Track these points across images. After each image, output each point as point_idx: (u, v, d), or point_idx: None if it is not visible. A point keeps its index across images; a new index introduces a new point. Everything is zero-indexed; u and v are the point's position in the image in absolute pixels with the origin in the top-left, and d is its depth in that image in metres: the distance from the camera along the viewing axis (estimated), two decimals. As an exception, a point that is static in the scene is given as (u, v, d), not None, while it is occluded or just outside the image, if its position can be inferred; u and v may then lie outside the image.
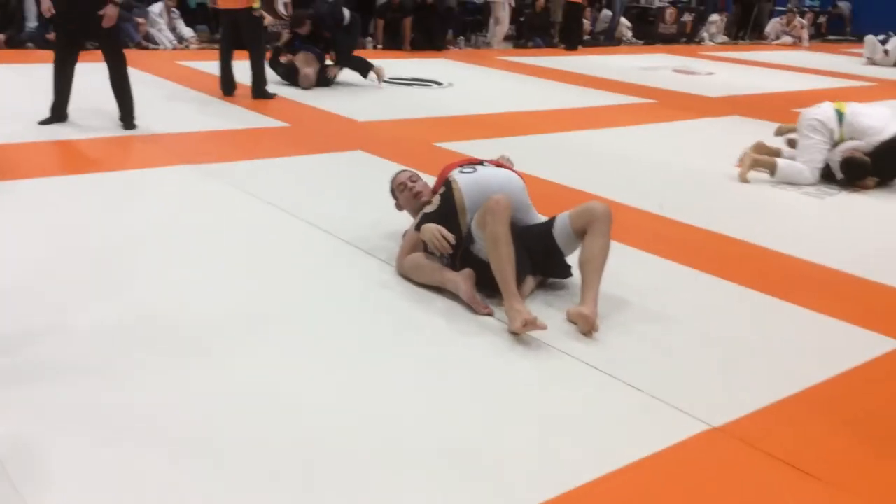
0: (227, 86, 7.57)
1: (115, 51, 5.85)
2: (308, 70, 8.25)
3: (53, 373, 2.64)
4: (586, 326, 3.16)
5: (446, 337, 3.10)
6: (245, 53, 7.42)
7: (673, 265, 3.98)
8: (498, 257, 3.21)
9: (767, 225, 4.75)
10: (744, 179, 5.67)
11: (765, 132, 7.46)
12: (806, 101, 9.52)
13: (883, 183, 5.71)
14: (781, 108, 9.01)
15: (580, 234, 3.43)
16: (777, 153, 6.00)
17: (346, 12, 8.74)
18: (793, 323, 3.44)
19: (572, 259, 3.49)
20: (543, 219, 3.62)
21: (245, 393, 2.60)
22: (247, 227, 4.15)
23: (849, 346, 3.24)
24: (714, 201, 5.23)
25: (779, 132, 6.23)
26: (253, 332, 3.02)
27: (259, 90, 7.48)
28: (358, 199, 4.67)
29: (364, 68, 8.74)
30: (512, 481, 2.26)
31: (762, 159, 5.80)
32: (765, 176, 5.80)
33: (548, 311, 3.32)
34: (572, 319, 3.24)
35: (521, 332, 3.05)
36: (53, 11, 5.56)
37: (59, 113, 5.84)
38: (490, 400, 2.68)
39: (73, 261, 3.56)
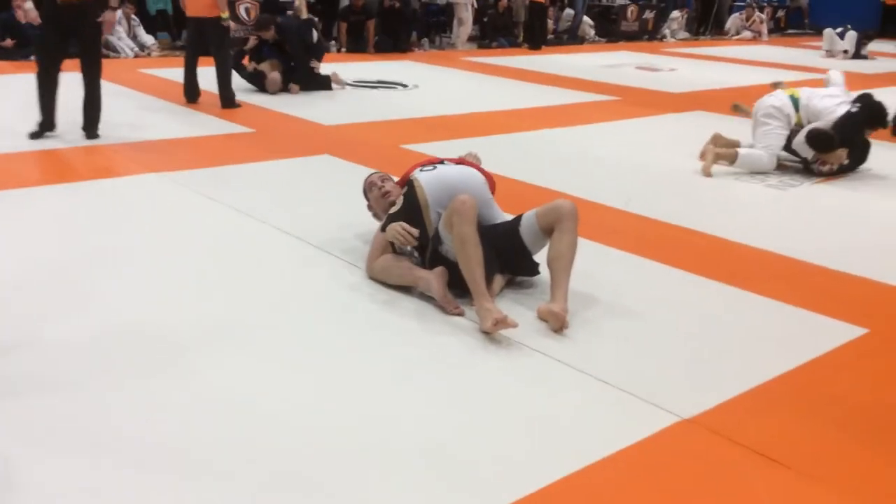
0: (192, 93, 7.51)
1: (96, 60, 5.76)
2: (275, 74, 8.21)
3: (26, 386, 2.60)
4: (557, 324, 3.18)
5: (418, 337, 3.10)
6: (209, 60, 7.36)
7: (641, 260, 4.02)
8: (466, 257, 3.22)
9: (733, 218, 4.81)
10: (707, 174, 5.74)
11: (727, 126, 7.56)
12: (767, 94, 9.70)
13: (852, 163, 5.80)
14: (742, 102, 9.11)
15: (547, 231, 3.45)
16: (735, 144, 6.10)
17: (315, 35, 8.69)
18: (760, 313, 3.49)
19: (540, 257, 3.51)
20: (506, 215, 3.64)
21: (220, 401, 2.58)
22: (215, 235, 4.12)
23: (814, 335, 3.29)
24: (680, 196, 5.28)
25: (735, 110, 6.27)
26: (225, 340, 3.00)
27: (227, 100, 7.39)
28: (326, 203, 4.65)
29: (325, 85, 8.64)
30: (486, 479, 2.26)
31: (722, 152, 5.90)
32: (729, 169, 5.87)
33: (518, 309, 3.33)
34: (543, 317, 3.25)
35: (492, 332, 3.06)
36: (40, 21, 5.45)
37: (47, 123, 5.75)
38: (463, 399, 2.68)
39: (41, 272, 3.51)
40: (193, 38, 7.46)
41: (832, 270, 4.01)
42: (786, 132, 5.79)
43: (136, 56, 10.78)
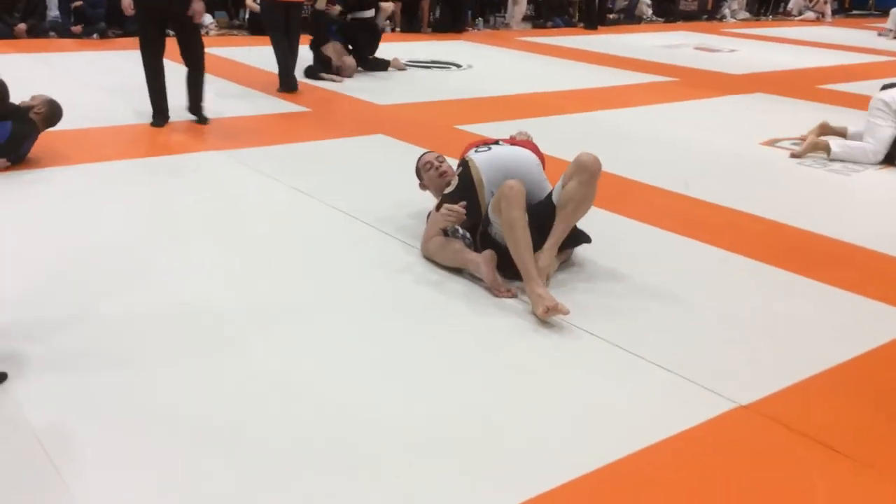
0: (292, 82, 7.26)
1: (196, 42, 5.77)
2: (347, 58, 8.17)
3: (84, 360, 2.67)
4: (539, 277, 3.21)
5: (469, 319, 3.11)
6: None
7: (697, 244, 3.97)
8: (515, 241, 3.22)
9: (794, 203, 4.71)
10: (797, 154, 5.74)
11: (789, 109, 7.40)
12: (830, 78, 9.48)
13: None
14: (805, 85, 8.92)
15: (566, 182, 3.39)
16: (842, 133, 5.96)
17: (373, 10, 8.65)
18: (819, 300, 3.43)
19: (585, 225, 3.48)
20: None
21: (273, 381, 2.62)
22: (271, 213, 4.17)
23: (875, 324, 3.22)
24: (739, 180, 5.19)
25: (821, 131, 6.11)
26: (279, 319, 3.04)
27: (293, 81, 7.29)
28: (379, 183, 4.68)
29: (383, 66, 8.67)
30: (540, 461, 2.27)
31: (820, 142, 5.79)
32: (789, 154, 5.76)
33: (566, 290, 3.32)
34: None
35: (544, 318, 3.05)
36: (133, 10, 5.44)
37: (162, 110, 5.73)
38: (516, 381, 2.69)
39: (101, 247, 3.60)
40: (281, 22, 7.18)
41: (894, 258, 3.91)
42: (893, 126, 5.62)
43: (195, 35, 10.91)
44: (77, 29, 9.98)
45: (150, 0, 5.46)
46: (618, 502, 2.14)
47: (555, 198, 3.43)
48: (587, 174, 3.33)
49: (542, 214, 3.41)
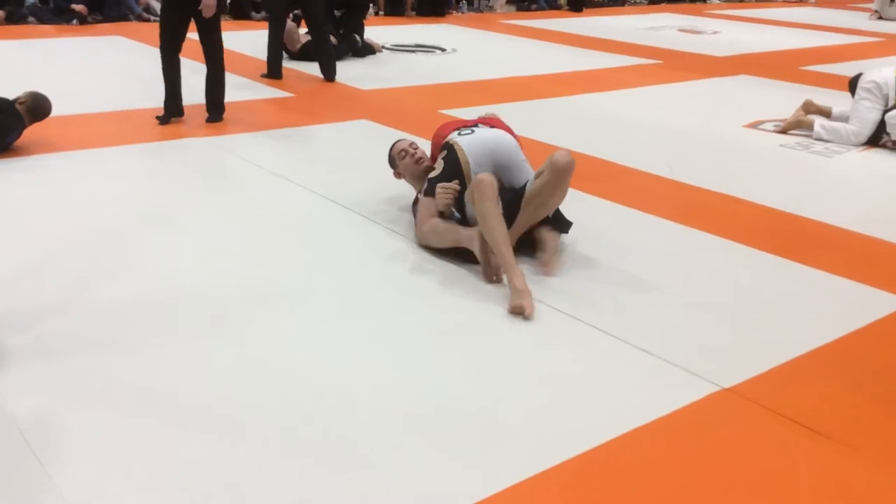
0: (277, 69, 7.15)
1: (210, 36, 5.48)
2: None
3: (74, 348, 2.66)
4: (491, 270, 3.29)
5: (454, 303, 3.12)
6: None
7: (681, 228, 3.98)
8: (489, 232, 3.22)
9: (776, 185, 4.73)
10: (782, 130, 5.88)
11: (772, 91, 7.42)
12: (814, 59, 9.51)
13: None
14: (789, 66, 8.94)
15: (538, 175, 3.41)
16: (827, 112, 5.99)
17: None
18: (802, 283, 3.45)
19: (568, 209, 3.50)
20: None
21: (261, 364, 2.62)
22: (254, 198, 4.15)
23: (857, 305, 3.25)
24: (723, 163, 5.20)
25: (806, 109, 6.14)
26: (265, 304, 3.04)
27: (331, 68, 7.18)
28: (363, 168, 4.66)
29: (371, 51, 8.60)
30: (523, 445, 2.28)
31: (805, 120, 5.84)
32: (774, 135, 5.79)
33: (545, 276, 3.33)
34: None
35: (511, 313, 3.01)
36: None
37: (175, 106, 5.52)
38: (501, 365, 2.70)
39: (90, 233, 3.58)
40: (283, 6, 7.09)
41: (876, 239, 3.95)
42: (880, 109, 5.63)
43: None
44: (81, 8, 9.76)
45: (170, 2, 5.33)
46: (600, 486, 2.15)
47: (527, 189, 3.45)
48: (556, 176, 3.31)
49: (514, 206, 3.44)
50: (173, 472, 2.11)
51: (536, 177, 3.42)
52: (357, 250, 3.56)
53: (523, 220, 3.43)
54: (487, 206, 3.24)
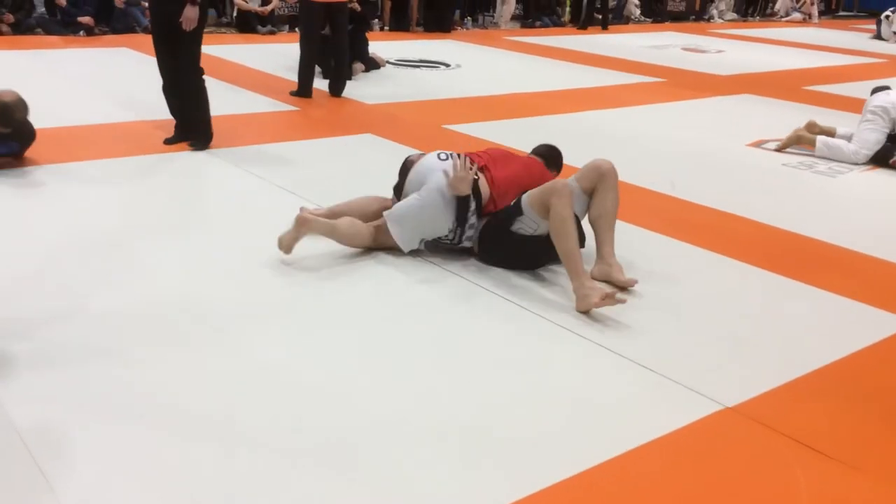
0: (309, 88, 7.06)
1: (182, 53, 5.03)
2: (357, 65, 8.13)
3: (74, 357, 2.66)
4: (619, 275, 3.40)
5: (455, 318, 3.12)
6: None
7: (684, 245, 3.98)
8: (566, 237, 3.28)
9: (779, 204, 4.73)
10: (779, 149, 5.91)
11: (775, 110, 7.44)
12: (817, 79, 9.53)
13: None
14: (792, 86, 8.96)
15: (589, 192, 3.59)
16: (831, 132, 6.02)
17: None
18: (804, 302, 3.44)
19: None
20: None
21: (259, 374, 2.62)
22: (257, 211, 4.16)
23: (860, 325, 3.24)
24: (726, 181, 5.21)
25: (809, 130, 6.16)
26: (262, 313, 3.04)
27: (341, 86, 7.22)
28: (368, 183, 4.66)
29: (377, 66, 8.61)
30: (525, 462, 2.27)
31: (806, 136, 5.86)
32: (777, 154, 5.80)
33: (550, 290, 3.33)
34: (602, 277, 3.42)
35: (599, 306, 3.13)
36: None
37: (176, 126, 5.33)
38: (501, 381, 2.69)
39: (91, 244, 3.58)
40: (319, 26, 7.03)
41: (879, 259, 3.94)
42: (885, 131, 5.65)
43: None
44: (87, 20, 9.81)
45: (153, 13, 5.14)
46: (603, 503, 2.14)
47: (577, 206, 3.50)
48: (614, 181, 3.59)
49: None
50: (172, 479, 2.11)
51: (588, 192, 3.59)
52: (359, 261, 3.56)
53: (609, 236, 3.53)
54: (569, 212, 3.30)
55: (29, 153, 4.74)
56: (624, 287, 3.37)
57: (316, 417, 2.41)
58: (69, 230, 3.76)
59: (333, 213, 3.73)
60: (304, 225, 3.48)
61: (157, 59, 5.21)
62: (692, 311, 3.28)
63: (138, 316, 2.96)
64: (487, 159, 3.73)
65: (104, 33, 10.04)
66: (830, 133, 6.02)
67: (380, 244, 3.62)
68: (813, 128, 6.08)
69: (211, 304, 3.09)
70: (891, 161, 5.57)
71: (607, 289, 3.17)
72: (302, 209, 3.70)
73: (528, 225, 3.46)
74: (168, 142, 5.26)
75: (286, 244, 3.49)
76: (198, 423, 2.35)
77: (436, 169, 3.58)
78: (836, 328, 3.22)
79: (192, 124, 5.23)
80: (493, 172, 3.66)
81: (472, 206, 3.54)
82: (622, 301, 3.13)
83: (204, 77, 5.15)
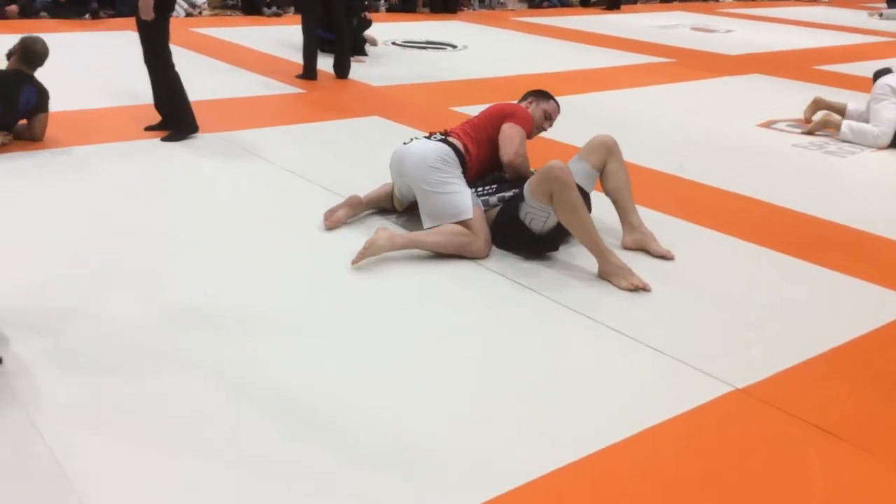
0: (314, 70, 6.99)
1: (147, 50, 4.88)
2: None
3: (94, 359, 2.59)
4: (656, 245, 3.52)
5: (465, 304, 3.11)
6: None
7: (693, 227, 3.96)
8: (581, 221, 3.28)
9: (789, 185, 4.70)
10: (809, 124, 5.90)
11: (785, 90, 7.39)
12: (827, 58, 9.45)
13: None
14: (802, 66, 8.89)
15: (600, 168, 3.69)
16: (842, 109, 5.98)
17: None
18: (815, 283, 3.42)
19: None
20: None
21: (277, 381, 2.58)
22: (265, 195, 4.15)
23: (872, 307, 3.22)
24: (735, 162, 5.17)
25: (816, 105, 6.11)
26: (269, 300, 3.03)
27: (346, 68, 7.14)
28: (375, 165, 4.64)
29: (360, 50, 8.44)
30: (537, 443, 2.27)
31: (833, 120, 5.80)
32: (786, 134, 5.75)
33: (562, 272, 3.31)
34: (637, 246, 3.53)
35: (630, 289, 3.19)
36: None
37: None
38: (513, 364, 2.68)
39: (102, 243, 3.52)
40: (317, 6, 6.95)
41: (891, 241, 3.91)
42: None
43: (188, 15, 10.83)
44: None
45: None
46: (614, 485, 2.14)
47: (584, 182, 3.60)
48: (620, 152, 3.70)
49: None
50: (178, 487, 2.08)
51: (598, 168, 3.68)
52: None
53: (632, 206, 3.63)
54: (575, 195, 3.27)
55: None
56: (662, 257, 3.49)
57: (324, 414, 2.38)
58: (72, 217, 3.73)
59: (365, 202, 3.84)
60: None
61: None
62: (702, 293, 3.26)
63: (154, 318, 2.86)
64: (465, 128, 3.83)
65: (110, 17, 10.00)
66: (841, 109, 5.97)
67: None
68: (819, 103, 6.04)
69: (221, 290, 3.08)
70: None
71: (637, 280, 3.21)
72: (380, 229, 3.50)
73: (535, 214, 3.37)
74: (149, 128, 5.10)
75: (334, 220, 3.66)
76: (201, 435, 2.25)
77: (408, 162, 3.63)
78: (848, 310, 3.20)
79: (167, 118, 5.07)
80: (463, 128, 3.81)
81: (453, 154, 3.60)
82: (649, 290, 3.19)
83: (174, 69, 4.97)
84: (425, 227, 3.52)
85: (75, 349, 2.63)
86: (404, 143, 3.74)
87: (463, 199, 3.48)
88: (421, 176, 3.53)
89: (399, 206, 3.82)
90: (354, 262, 3.28)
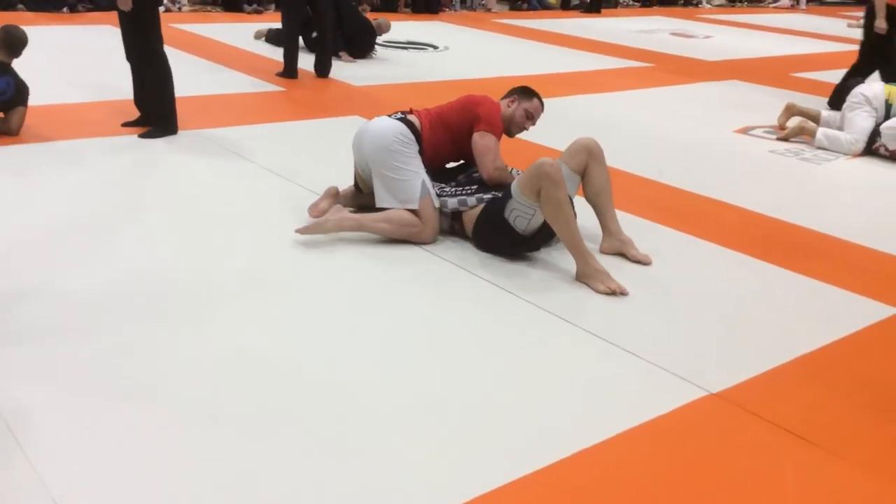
0: (294, 68, 6.98)
1: (134, 42, 4.82)
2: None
3: (51, 334, 2.64)
4: (634, 251, 3.53)
5: (443, 302, 3.11)
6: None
7: (672, 232, 3.98)
8: (566, 221, 3.29)
9: (765, 191, 4.74)
10: (783, 133, 5.94)
11: (763, 97, 7.44)
12: (804, 66, 9.54)
13: None
14: (780, 72, 8.97)
15: (580, 172, 3.64)
16: (816, 116, 6.04)
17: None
18: (791, 290, 3.45)
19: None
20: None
21: (241, 355, 2.60)
22: (243, 193, 4.12)
23: (845, 313, 3.26)
24: (713, 168, 5.21)
25: (789, 111, 6.17)
26: (245, 296, 3.02)
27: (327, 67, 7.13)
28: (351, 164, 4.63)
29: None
30: (511, 446, 2.27)
31: (808, 127, 5.85)
32: (764, 141, 5.80)
33: (538, 275, 3.32)
34: (615, 252, 3.54)
35: (609, 293, 3.21)
36: None
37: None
38: (489, 366, 2.68)
39: (66, 226, 3.54)
40: (300, 5, 6.91)
41: (864, 247, 3.96)
42: (874, 117, 5.65)
43: (167, 10, 10.75)
44: None
45: None
46: (586, 489, 2.14)
47: (566, 186, 3.48)
48: (602, 155, 3.66)
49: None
50: (154, 458, 2.09)
51: (579, 171, 3.64)
52: (345, 244, 3.54)
53: (612, 210, 3.64)
54: (562, 194, 3.28)
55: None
56: (640, 262, 3.49)
57: (295, 398, 2.39)
58: (44, 209, 3.71)
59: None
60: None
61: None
62: (678, 298, 3.28)
63: (116, 296, 2.93)
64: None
65: (88, 10, 9.91)
66: (815, 116, 6.03)
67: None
68: (792, 109, 6.10)
69: (193, 285, 3.07)
70: (874, 147, 5.58)
71: (613, 284, 3.22)
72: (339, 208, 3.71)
73: (521, 211, 3.38)
74: (126, 125, 5.03)
75: (318, 212, 3.68)
76: (177, 403, 2.33)
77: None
78: (821, 316, 3.23)
79: (153, 115, 4.99)
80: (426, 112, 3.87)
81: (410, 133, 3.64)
82: (626, 294, 3.20)
83: (168, 63, 4.92)
84: (377, 205, 3.60)
85: (37, 322, 2.64)
86: (367, 121, 3.79)
87: (413, 187, 3.54)
88: (377, 156, 3.60)
89: (364, 188, 3.82)
90: (300, 231, 3.46)
